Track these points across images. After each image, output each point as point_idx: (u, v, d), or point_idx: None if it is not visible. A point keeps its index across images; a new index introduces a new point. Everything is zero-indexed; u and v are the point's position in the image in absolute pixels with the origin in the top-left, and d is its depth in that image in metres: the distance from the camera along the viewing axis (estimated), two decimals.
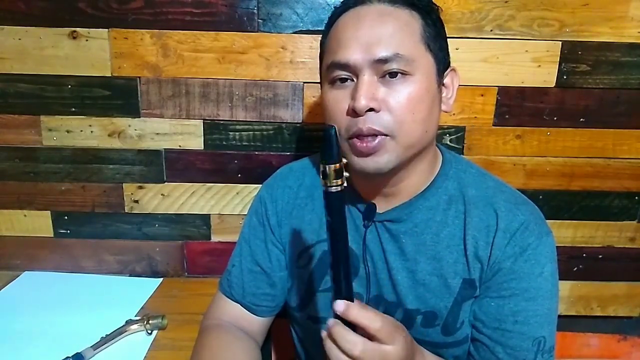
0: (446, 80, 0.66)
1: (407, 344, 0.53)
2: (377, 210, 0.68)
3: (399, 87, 0.59)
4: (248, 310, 0.78)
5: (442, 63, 0.64)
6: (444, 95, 0.66)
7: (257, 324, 0.78)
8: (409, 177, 0.66)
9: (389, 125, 0.58)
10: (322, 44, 0.68)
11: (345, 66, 0.60)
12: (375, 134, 0.59)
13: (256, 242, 0.77)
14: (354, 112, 0.59)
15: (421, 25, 0.61)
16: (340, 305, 0.50)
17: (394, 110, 0.59)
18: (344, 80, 0.62)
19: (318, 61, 0.70)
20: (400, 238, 0.67)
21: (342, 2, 0.66)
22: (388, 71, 0.59)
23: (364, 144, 0.59)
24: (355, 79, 0.61)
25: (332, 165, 0.48)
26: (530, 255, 0.63)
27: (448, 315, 0.66)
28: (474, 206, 0.66)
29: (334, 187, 0.49)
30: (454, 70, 0.67)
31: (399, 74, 0.59)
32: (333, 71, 0.62)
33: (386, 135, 0.59)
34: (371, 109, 0.58)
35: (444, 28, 0.66)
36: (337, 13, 0.65)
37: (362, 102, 0.57)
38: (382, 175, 0.62)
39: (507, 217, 0.64)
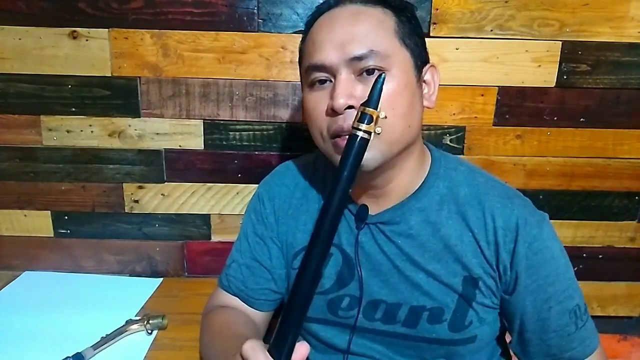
0: (427, 77, 0.66)
1: None
2: (369, 212, 0.68)
3: None
4: (246, 304, 0.78)
5: (420, 59, 0.64)
6: (425, 91, 0.66)
7: (256, 317, 0.78)
8: (397, 176, 0.66)
9: None
10: (301, 50, 0.68)
11: (321, 67, 0.61)
12: None
13: (255, 239, 0.78)
14: (333, 112, 0.60)
15: (395, 22, 0.62)
16: None
17: None
18: (322, 82, 0.62)
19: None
20: (396, 239, 0.67)
21: (316, 7, 0.67)
22: (365, 68, 0.59)
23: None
24: (333, 80, 0.61)
25: (369, 109, 0.48)
26: (538, 245, 0.64)
27: (455, 312, 0.66)
28: (468, 205, 0.66)
29: (360, 132, 0.48)
30: (433, 66, 0.67)
31: (376, 70, 0.59)
32: (311, 74, 0.63)
33: None
34: (350, 107, 0.59)
35: (420, 25, 0.66)
36: (313, 18, 0.66)
37: (340, 101, 0.58)
38: (369, 173, 0.62)
39: (503, 214, 0.65)
